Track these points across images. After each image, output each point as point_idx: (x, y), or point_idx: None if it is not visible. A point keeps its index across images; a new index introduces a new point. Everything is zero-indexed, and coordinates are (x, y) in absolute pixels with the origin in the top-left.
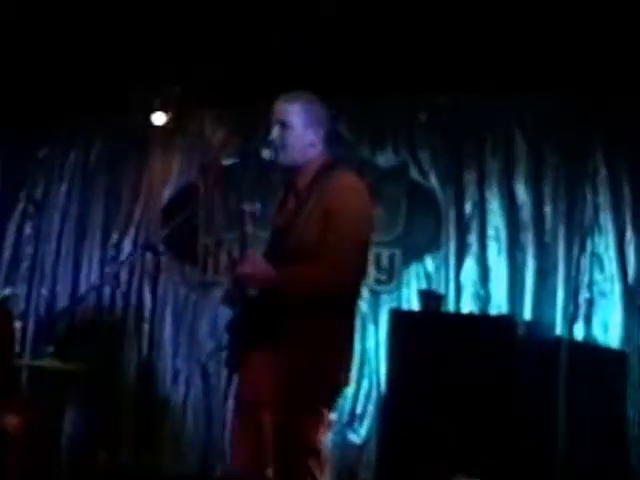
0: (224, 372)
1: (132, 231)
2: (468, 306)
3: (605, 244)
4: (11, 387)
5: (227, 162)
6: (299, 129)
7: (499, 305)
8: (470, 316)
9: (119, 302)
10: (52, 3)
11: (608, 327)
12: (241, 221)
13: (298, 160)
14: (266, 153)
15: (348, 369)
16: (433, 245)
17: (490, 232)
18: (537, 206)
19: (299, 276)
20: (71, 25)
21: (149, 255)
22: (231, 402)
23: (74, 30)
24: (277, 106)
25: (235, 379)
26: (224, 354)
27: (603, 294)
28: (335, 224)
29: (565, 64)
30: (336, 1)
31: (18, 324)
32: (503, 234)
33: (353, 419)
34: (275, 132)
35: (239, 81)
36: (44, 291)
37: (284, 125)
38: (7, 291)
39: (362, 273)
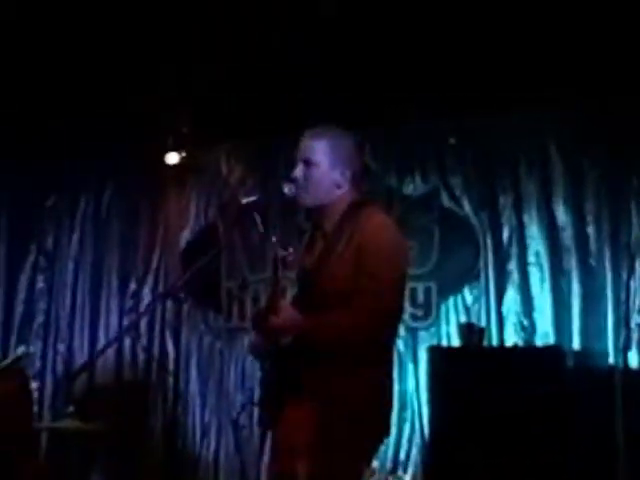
0: (256, 426)
1: (150, 279)
2: (512, 338)
3: None
4: (31, 451)
5: (247, 200)
6: (325, 168)
7: (545, 335)
8: (515, 349)
9: (141, 355)
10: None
11: None
12: (274, 267)
13: (322, 201)
14: (288, 189)
15: (388, 417)
16: (471, 275)
17: (531, 258)
18: (579, 227)
19: (332, 324)
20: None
21: (170, 303)
22: (266, 458)
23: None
24: (302, 142)
25: (269, 434)
26: (256, 409)
27: None
28: (367, 266)
29: (595, 72)
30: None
31: (35, 384)
32: (545, 260)
33: (396, 466)
34: (299, 170)
35: (254, 111)
36: (60, 347)
37: (309, 163)
38: (21, 350)
39: (398, 315)
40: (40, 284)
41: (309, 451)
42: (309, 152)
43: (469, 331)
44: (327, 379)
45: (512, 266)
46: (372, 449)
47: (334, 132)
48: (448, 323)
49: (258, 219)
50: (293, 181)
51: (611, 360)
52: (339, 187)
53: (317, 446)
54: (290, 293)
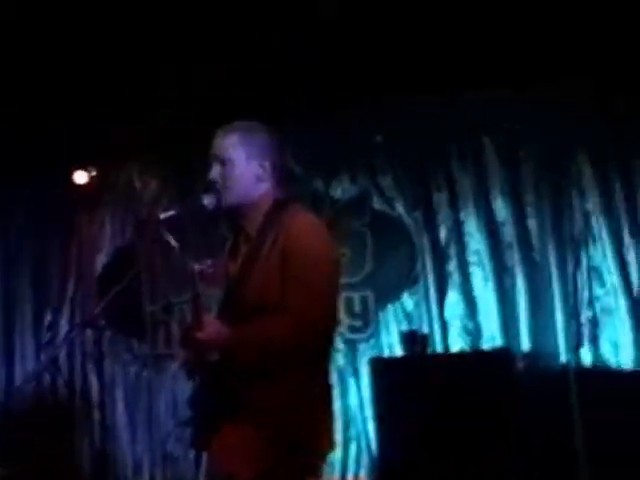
0: (191, 454)
1: (67, 309)
2: (457, 344)
3: (602, 254)
4: None
5: (164, 215)
6: (241, 163)
7: (492, 338)
8: (461, 354)
9: (62, 391)
10: None
11: (618, 346)
12: (192, 282)
13: (245, 199)
14: (207, 199)
15: (329, 431)
16: (409, 280)
17: (471, 257)
18: (520, 221)
19: (260, 336)
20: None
21: (90, 333)
22: None
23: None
24: (214, 141)
25: (204, 458)
26: (188, 432)
27: (607, 311)
28: (294, 270)
29: (525, 59)
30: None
31: None
32: (486, 258)
33: None
34: (215, 171)
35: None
36: None
37: (223, 162)
38: None
39: (332, 322)
40: None
41: (248, 466)
42: (222, 150)
43: (411, 339)
44: (259, 393)
45: (452, 267)
46: (315, 466)
47: (245, 125)
48: (389, 332)
49: (169, 236)
50: (210, 186)
51: (563, 359)
52: (260, 180)
53: (256, 461)
54: (215, 309)
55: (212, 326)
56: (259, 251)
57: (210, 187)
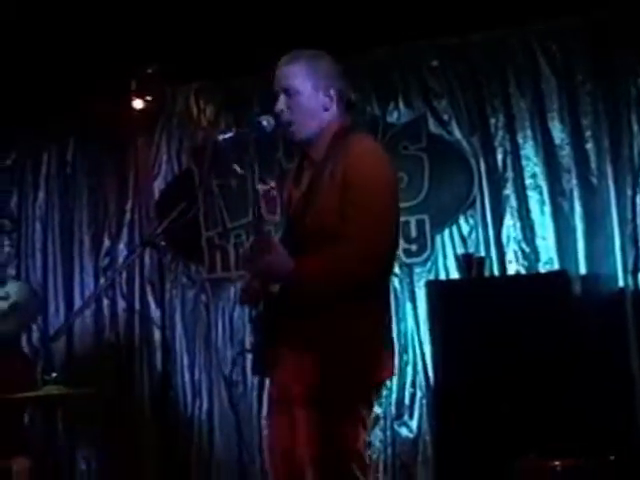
0: (250, 379)
1: (125, 234)
2: (514, 267)
3: None
4: (18, 427)
5: (222, 136)
6: (308, 92)
7: (549, 261)
8: (517, 277)
9: (122, 315)
10: None
11: None
12: (255, 204)
13: (314, 129)
14: (266, 122)
15: (389, 359)
16: (465, 204)
17: (528, 181)
18: (577, 144)
19: (325, 268)
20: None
21: (148, 259)
22: (263, 411)
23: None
24: (277, 71)
25: (266, 384)
26: (249, 359)
27: None
28: (354, 196)
29: None
30: None
31: None
32: (543, 181)
33: (401, 412)
34: (281, 102)
35: (224, 48)
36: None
37: (289, 93)
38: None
39: (393, 248)
40: (7, 248)
41: (309, 396)
42: (286, 80)
43: (468, 262)
44: (323, 318)
45: (509, 191)
46: (374, 390)
47: (308, 54)
48: (445, 256)
49: (229, 159)
50: (277, 116)
51: (620, 283)
52: (327, 109)
53: (315, 385)
54: (274, 236)
55: (280, 251)
56: (322, 178)
57: (276, 116)
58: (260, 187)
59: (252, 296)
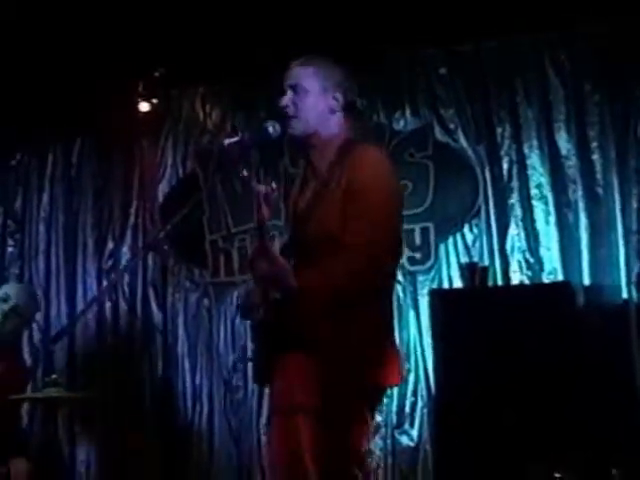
0: (251, 385)
1: (129, 236)
2: (517, 277)
3: None
4: (17, 427)
5: (228, 141)
6: (315, 93)
7: (553, 272)
8: (521, 287)
9: (123, 317)
10: None
11: None
12: (256, 205)
13: (315, 130)
14: (271, 126)
15: (393, 364)
16: (470, 213)
17: (533, 191)
18: (583, 155)
19: (323, 283)
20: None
21: (151, 262)
22: (263, 419)
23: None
24: (289, 70)
25: (266, 392)
26: (249, 366)
27: None
28: (357, 206)
29: None
30: None
31: None
32: (548, 192)
33: (402, 420)
34: (288, 97)
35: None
36: (36, 315)
37: (298, 89)
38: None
39: (395, 258)
40: (10, 249)
41: (309, 395)
42: (297, 78)
43: (471, 271)
44: (322, 328)
45: (514, 200)
46: (376, 396)
47: (322, 59)
48: (449, 265)
49: (235, 163)
50: (282, 109)
51: (624, 294)
52: (332, 112)
53: (318, 391)
54: (278, 241)
55: (280, 269)
56: (327, 188)
57: (283, 112)
58: (259, 187)
59: (251, 307)
